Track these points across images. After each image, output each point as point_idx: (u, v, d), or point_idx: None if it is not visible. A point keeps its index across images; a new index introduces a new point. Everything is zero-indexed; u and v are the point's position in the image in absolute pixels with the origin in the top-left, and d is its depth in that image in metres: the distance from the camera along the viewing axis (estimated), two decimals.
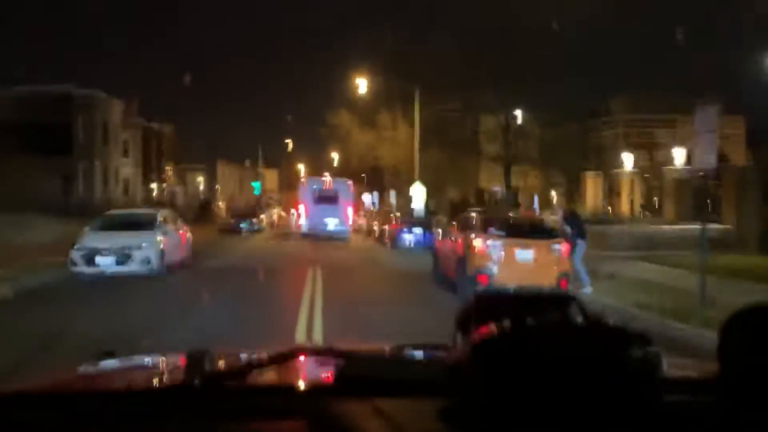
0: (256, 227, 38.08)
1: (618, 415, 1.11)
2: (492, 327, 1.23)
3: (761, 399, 1.20)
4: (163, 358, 2.21)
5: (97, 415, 1.40)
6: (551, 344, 1.15)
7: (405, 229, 27.49)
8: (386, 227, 30.22)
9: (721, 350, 1.31)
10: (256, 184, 69.05)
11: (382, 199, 65.15)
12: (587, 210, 36.37)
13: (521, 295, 1.73)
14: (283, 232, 38.51)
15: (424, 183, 34.48)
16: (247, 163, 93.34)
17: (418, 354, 2.06)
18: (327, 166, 78.12)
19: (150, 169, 57.41)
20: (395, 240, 27.54)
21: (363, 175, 72.27)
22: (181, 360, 1.77)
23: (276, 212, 52.01)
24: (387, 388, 1.42)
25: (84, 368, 2.06)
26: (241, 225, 37.16)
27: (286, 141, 75.31)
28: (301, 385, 1.70)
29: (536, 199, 41.10)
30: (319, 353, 1.93)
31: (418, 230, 27.42)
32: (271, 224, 44.42)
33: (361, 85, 36.98)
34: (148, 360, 2.31)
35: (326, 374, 1.69)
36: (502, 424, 1.11)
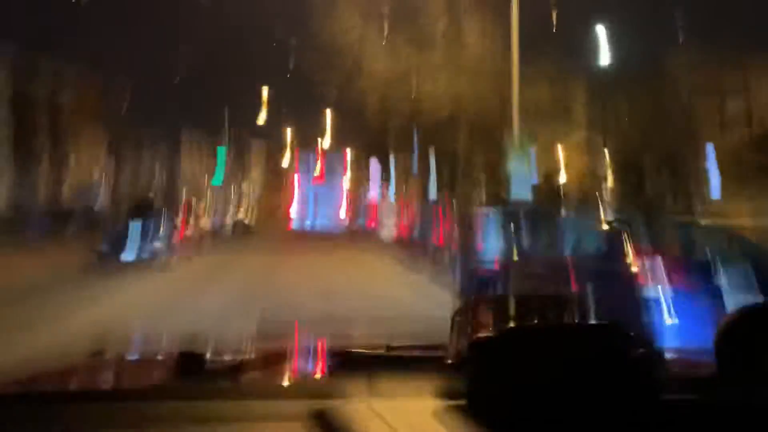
0: (163, 253, 16.48)
1: (617, 414, 1.10)
2: (490, 326, 1.23)
3: (758, 397, 1.23)
4: (155, 359, 2.16)
5: (82, 415, 1.36)
6: (550, 342, 1.12)
7: None
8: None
9: (718, 350, 1.31)
10: (215, 180, 46.06)
11: (407, 180, 43.89)
12: None
13: (519, 297, 1.65)
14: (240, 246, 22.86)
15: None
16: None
17: (414, 354, 2.01)
18: (319, 136, 56.73)
19: (26, 143, 33.81)
20: None
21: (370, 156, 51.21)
22: (172, 360, 1.71)
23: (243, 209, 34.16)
24: (382, 389, 1.41)
25: (72, 367, 2.01)
26: (127, 249, 15.96)
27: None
28: (296, 385, 1.70)
29: None
30: (315, 352, 1.94)
31: None
32: (210, 229, 24.55)
33: None
34: (139, 360, 2.27)
35: (321, 374, 1.74)
36: (499, 422, 1.09)
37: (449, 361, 1.33)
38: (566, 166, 23.01)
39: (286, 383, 1.70)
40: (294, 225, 28.97)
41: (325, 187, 28.79)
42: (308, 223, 28.23)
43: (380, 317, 9.36)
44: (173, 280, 14.24)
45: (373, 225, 25.13)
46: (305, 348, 1.96)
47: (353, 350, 1.88)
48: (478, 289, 9.79)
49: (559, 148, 22.95)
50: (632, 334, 1.15)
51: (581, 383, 1.07)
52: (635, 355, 1.13)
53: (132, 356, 2.28)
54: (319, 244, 24.14)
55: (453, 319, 1.47)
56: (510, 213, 10.83)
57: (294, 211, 29.54)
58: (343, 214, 28.62)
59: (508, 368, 1.08)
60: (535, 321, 1.28)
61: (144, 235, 16.61)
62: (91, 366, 2.00)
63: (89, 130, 38.73)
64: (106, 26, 32.29)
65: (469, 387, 1.14)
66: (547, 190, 20.50)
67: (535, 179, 18.09)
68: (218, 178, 44.40)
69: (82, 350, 2.06)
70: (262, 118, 45.94)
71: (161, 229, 17.29)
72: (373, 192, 48.42)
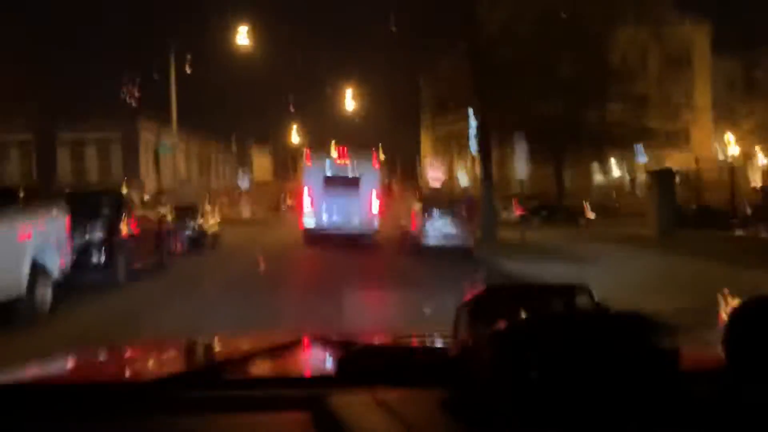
0: None
1: (641, 406, 1.09)
2: (511, 317, 1.18)
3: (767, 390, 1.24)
4: (163, 347, 2.19)
5: (92, 406, 1.35)
6: (575, 333, 1.11)
7: None
8: None
9: (726, 341, 1.29)
10: (162, 148, 30.73)
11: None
12: None
13: (532, 286, 1.62)
14: None
15: None
16: (233, 143, 58.52)
17: (421, 343, 2.05)
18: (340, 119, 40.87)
19: None
20: None
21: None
22: (180, 348, 1.73)
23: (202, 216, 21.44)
24: (389, 378, 1.41)
25: (80, 356, 2.02)
26: None
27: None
28: (302, 375, 1.74)
29: None
30: (321, 342, 1.92)
31: None
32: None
33: None
34: (147, 348, 2.29)
35: (328, 364, 1.68)
36: (520, 414, 1.08)
37: (456, 351, 1.30)
38: None
39: (292, 371, 1.73)
40: (308, 225, 21.40)
41: (347, 176, 21.24)
42: (324, 220, 20.99)
43: (387, 307, 9.40)
44: None
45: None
46: (312, 336, 1.91)
47: (361, 339, 1.93)
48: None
49: None
50: (656, 322, 1.11)
51: (605, 375, 1.05)
52: (658, 344, 1.10)
53: (139, 347, 2.26)
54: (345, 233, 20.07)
55: (461, 310, 1.42)
56: None
57: (307, 205, 21.75)
58: (373, 210, 20.62)
59: (529, 357, 1.06)
60: (550, 310, 1.20)
61: None
62: (98, 354, 2.03)
63: None
64: None
65: (488, 377, 1.11)
66: None
67: None
68: (165, 146, 30.78)
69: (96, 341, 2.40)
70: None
71: None
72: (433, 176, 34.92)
